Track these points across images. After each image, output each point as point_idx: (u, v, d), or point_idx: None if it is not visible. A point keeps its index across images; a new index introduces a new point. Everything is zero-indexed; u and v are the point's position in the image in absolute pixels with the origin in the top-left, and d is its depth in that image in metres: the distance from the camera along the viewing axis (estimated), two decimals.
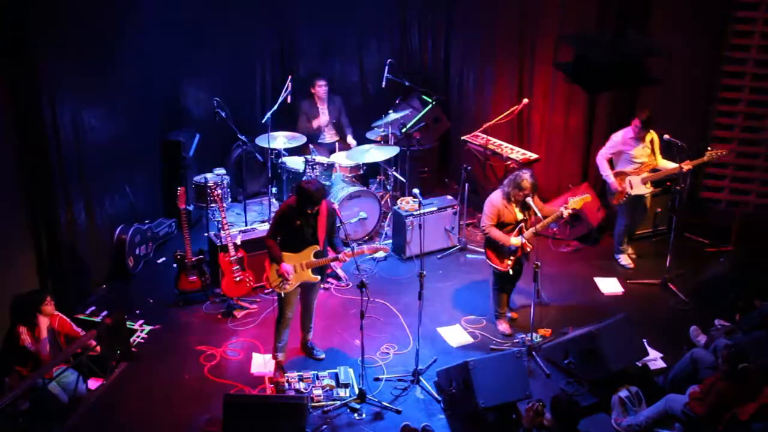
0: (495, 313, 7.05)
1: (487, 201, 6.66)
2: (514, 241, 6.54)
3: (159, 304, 7.43)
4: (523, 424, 5.34)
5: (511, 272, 6.71)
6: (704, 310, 7.24)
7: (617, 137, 7.77)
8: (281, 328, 6.42)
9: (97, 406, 6.08)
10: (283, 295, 6.27)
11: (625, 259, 8.16)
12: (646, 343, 6.44)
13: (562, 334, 6.76)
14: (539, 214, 6.52)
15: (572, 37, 6.25)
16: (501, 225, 6.59)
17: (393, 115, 8.69)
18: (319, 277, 6.35)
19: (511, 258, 6.65)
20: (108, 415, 6.03)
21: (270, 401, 5.78)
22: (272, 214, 6.23)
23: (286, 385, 6.25)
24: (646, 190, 7.76)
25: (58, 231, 6.84)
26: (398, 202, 8.47)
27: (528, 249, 6.58)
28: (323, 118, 9.08)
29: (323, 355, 6.70)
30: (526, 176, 6.49)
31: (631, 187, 7.74)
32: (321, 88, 8.96)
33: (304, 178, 6.17)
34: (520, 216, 6.59)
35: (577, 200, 6.70)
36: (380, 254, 8.25)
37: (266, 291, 7.58)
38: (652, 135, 7.64)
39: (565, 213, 6.57)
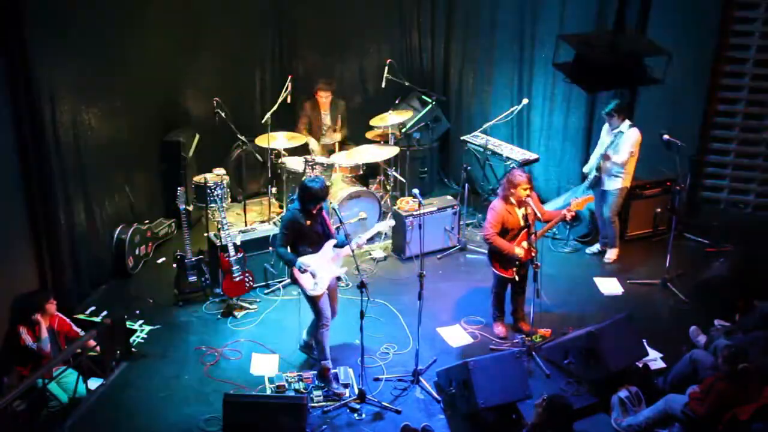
0: (493, 316, 7.04)
1: (490, 208, 6.64)
2: (518, 251, 6.52)
3: (159, 304, 7.43)
4: (531, 421, 5.34)
5: (516, 278, 6.70)
6: (704, 310, 7.23)
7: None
8: (325, 332, 6.25)
9: (97, 406, 6.08)
10: (317, 299, 6.19)
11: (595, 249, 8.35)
12: (646, 343, 6.44)
13: (561, 334, 6.76)
14: (538, 214, 6.51)
15: (572, 37, 6.24)
16: (505, 231, 6.56)
17: (393, 117, 8.70)
18: (346, 268, 6.54)
19: (516, 265, 6.63)
20: (108, 415, 6.03)
21: (270, 401, 5.78)
22: (279, 223, 6.23)
23: (286, 385, 6.25)
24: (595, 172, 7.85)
25: (58, 231, 6.84)
26: (398, 202, 8.47)
27: (534, 254, 6.55)
28: (324, 122, 9.09)
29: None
30: (517, 172, 6.53)
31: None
32: (323, 99, 9.00)
33: (305, 177, 6.23)
34: (523, 222, 6.55)
35: (579, 201, 6.70)
36: (380, 254, 8.28)
37: (266, 291, 7.60)
38: (621, 127, 7.63)
39: (568, 216, 6.59)
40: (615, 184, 7.79)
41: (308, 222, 6.11)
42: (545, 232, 6.70)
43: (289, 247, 6.21)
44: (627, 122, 7.63)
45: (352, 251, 6.17)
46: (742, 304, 6.92)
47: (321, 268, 6.15)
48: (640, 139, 7.64)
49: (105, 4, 7.29)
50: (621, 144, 7.63)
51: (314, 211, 6.08)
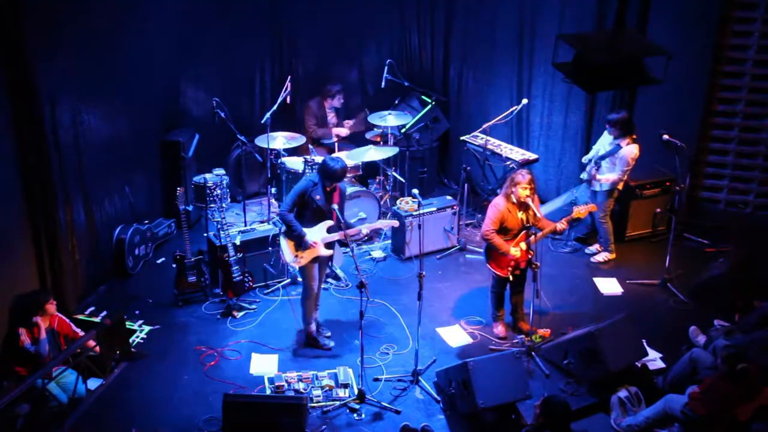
0: (492, 316, 7.04)
1: (491, 205, 6.64)
2: (514, 251, 6.52)
3: (158, 304, 7.44)
4: (531, 422, 5.34)
5: (511, 278, 6.69)
6: (704, 311, 7.24)
7: None
8: (309, 303, 6.69)
9: (96, 407, 6.07)
10: (305, 271, 6.54)
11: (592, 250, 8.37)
12: (645, 343, 6.45)
13: (561, 334, 6.76)
14: (539, 214, 6.51)
15: (572, 37, 6.25)
16: (504, 230, 6.56)
17: (393, 118, 8.70)
18: (332, 251, 6.55)
19: (511, 264, 6.63)
20: (107, 415, 6.02)
21: (269, 401, 5.78)
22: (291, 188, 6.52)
23: (286, 385, 6.26)
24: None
25: (58, 231, 6.84)
26: (397, 202, 8.47)
27: (530, 255, 6.54)
28: (330, 119, 9.10)
29: (329, 333, 6.86)
30: (520, 171, 6.54)
31: None
32: (339, 101, 9.02)
33: (329, 155, 6.40)
34: (523, 223, 6.53)
35: (581, 209, 6.69)
36: (380, 254, 8.28)
37: (266, 291, 7.60)
38: (621, 141, 7.64)
39: (559, 228, 6.58)
40: (605, 186, 7.79)
41: (317, 197, 6.33)
42: (539, 239, 6.67)
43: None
44: (629, 137, 7.58)
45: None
46: (742, 304, 6.92)
47: (317, 242, 6.42)
48: (637, 155, 7.60)
49: (105, 3, 7.29)
50: (616, 160, 7.63)
51: (328, 189, 6.32)
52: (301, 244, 6.42)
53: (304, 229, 6.38)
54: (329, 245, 6.50)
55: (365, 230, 6.59)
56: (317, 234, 6.42)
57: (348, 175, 8.58)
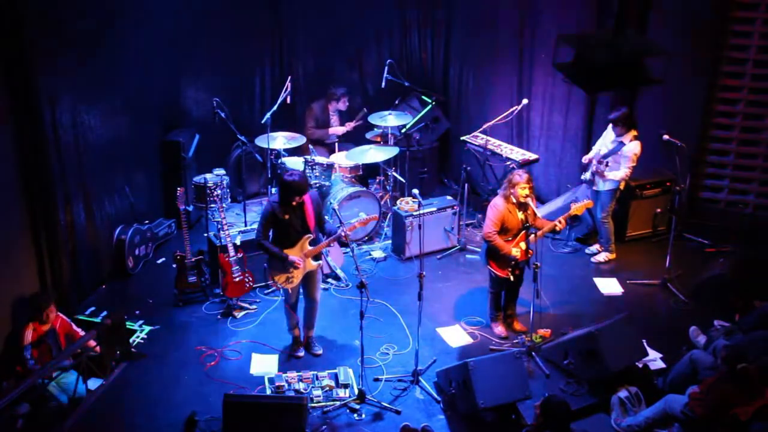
0: (491, 316, 7.04)
1: (491, 206, 6.65)
2: (515, 252, 6.52)
3: (159, 304, 7.44)
4: (531, 422, 5.33)
5: (511, 278, 6.69)
6: (704, 311, 7.24)
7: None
8: (288, 311, 6.66)
9: (96, 407, 6.07)
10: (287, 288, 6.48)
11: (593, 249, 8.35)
12: (646, 343, 6.45)
13: (561, 334, 6.76)
14: (539, 214, 6.51)
15: (572, 37, 6.24)
16: (504, 230, 6.56)
17: (393, 118, 8.70)
18: (320, 262, 6.50)
19: (511, 265, 6.62)
20: (107, 415, 6.02)
21: (270, 401, 5.79)
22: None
23: (286, 385, 6.26)
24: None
25: (58, 231, 6.84)
26: (398, 202, 8.47)
27: (531, 255, 6.54)
28: (333, 121, 9.09)
29: (321, 351, 6.76)
30: (517, 171, 6.55)
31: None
32: (344, 104, 9.00)
33: (286, 172, 6.28)
34: (522, 223, 6.53)
35: (578, 205, 6.70)
36: (380, 254, 8.28)
37: (266, 291, 7.60)
38: (624, 138, 7.64)
39: (558, 227, 6.57)
40: (607, 185, 7.80)
41: (286, 216, 6.21)
42: (538, 238, 6.66)
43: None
44: (631, 134, 7.58)
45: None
46: (742, 304, 6.92)
47: (299, 259, 6.32)
48: (640, 152, 7.61)
49: (105, 3, 7.29)
50: (621, 157, 7.63)
51: (294, 204, 6.17)
52: (285, 265, 6.32)
53: (286, 250, 6.30)
54: (317, 257, 6.44)
55: (342, 232, 6.27)
56: (299, 251, 6.33)
57: (348, 175, 8.61)
